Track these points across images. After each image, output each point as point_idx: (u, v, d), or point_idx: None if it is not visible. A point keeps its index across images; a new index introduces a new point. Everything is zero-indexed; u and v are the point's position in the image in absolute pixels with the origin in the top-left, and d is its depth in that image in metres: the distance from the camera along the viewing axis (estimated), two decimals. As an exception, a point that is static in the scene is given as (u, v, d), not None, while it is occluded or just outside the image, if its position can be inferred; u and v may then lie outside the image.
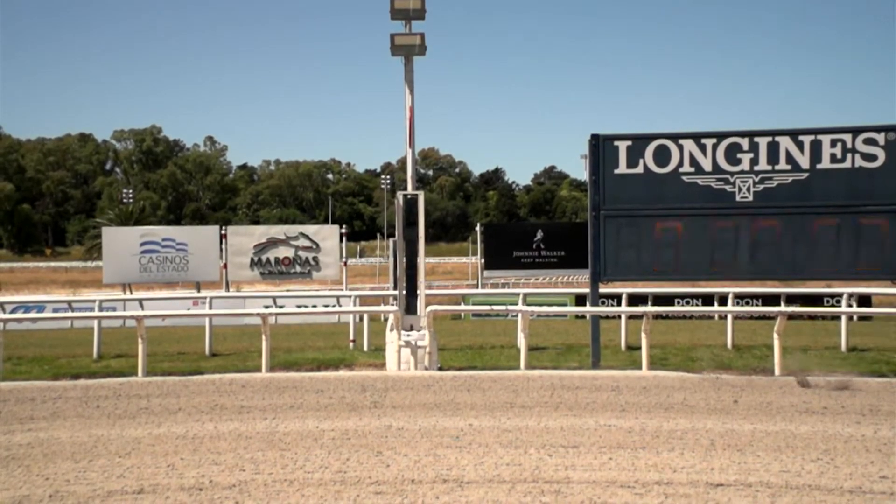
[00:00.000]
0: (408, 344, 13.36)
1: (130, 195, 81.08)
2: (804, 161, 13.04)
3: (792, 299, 18.40)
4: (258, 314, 14.64)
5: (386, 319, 17.75)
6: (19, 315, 21.19)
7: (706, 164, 13.28)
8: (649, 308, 15.47)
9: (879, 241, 12.74)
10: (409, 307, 13.82)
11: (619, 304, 19.28)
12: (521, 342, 13.87)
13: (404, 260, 14.05)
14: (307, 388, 11.36)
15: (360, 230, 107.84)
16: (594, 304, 14.12)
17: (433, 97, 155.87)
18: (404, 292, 13.93)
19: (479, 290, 30.97)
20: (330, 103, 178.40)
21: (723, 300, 18.37)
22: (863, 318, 21.72)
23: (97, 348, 16.26)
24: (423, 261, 13.96)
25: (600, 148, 13.57)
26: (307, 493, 6.08)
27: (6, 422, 9.13)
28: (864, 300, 23.23)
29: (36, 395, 11.10)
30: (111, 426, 8.74)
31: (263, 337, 13.32)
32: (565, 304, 26.43)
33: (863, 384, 11.35)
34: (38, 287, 61.71)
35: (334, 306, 23.56)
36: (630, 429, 8.26)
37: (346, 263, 20.43)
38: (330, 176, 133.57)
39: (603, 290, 14.27)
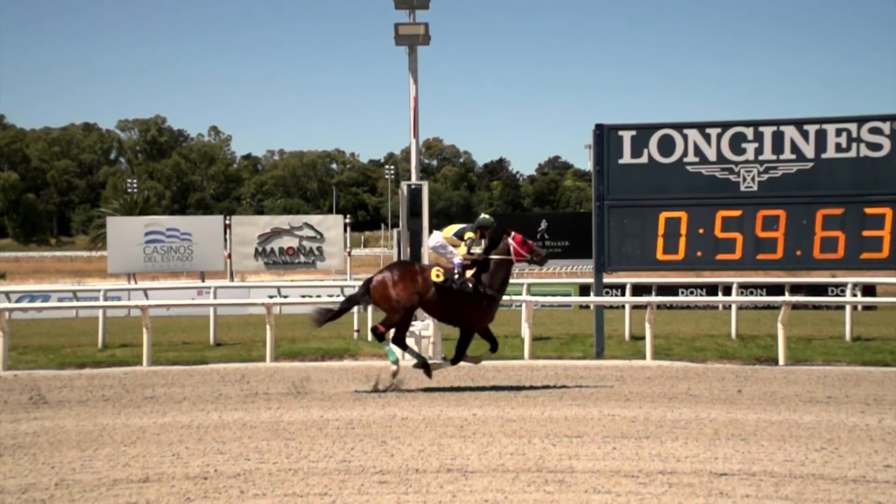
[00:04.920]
0: (412, 334, 13.36)
1: (135, 185, 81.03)
2: (809, 150, 13.00)
3: (796, 289, 18.39)
4: (262, 304, 14.67)
5: (390, 309, 17.76)
6: (25, 304, 21.25)
7: (710, 154, 13.24)
8: (653, 298, 15.48)
9: (884, 231, 12.71)
10: (414, 297, 13.82)
11: (623, 293, 19.27)
12: (525, 332, 13.88)
13: (408, 250, 14.05)
14: (311, 377, 11.38)
15: (365, 220, 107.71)
16: (598, 293, 14.12)
17: (437, 87, 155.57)
18: (408, 282, 13.92)
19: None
20: (334, 93, 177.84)
21: (727, 290, 18.35)
22: (867, 307, 21.70)
23: (102, 338, 16.30)
24: (427, 251, 13.96)
25: (605, 138, 13.54)
26: (311, 482, 6.10)
27: (12, 410, 9.18)
28: (869, 290, 23.23)
29: (41, 384, 11.14)
30: (116, 415, 8.77)
31: (268, 326, 13.34)
32: (569, 294, 26.45)
33: (866, 374, 11.36)
34: (43, 276, 61.81)
35: (338, 296, 23.57)
36: (634, 418, 8.28)
37: (350, 253, 20.44)
38: (334, 166, 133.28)
39: (607, 279, 14.28)
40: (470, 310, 10.39)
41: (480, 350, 11.00)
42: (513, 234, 10.65)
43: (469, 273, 10.45)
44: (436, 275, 10.33)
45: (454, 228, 10.80)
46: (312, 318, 10.89)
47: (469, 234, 10.57)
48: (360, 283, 11.70)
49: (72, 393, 10.36)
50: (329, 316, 10.83)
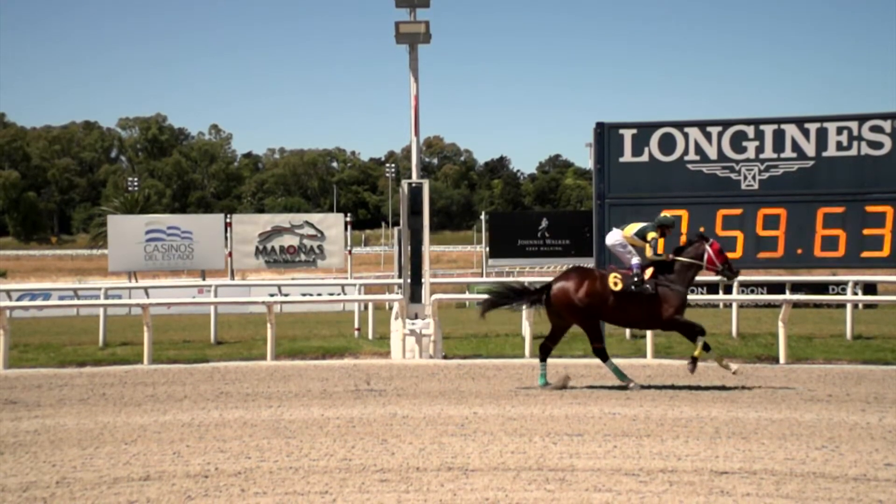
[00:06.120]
0: (413, 332, 13.37)
1: (136, 183, 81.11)
2: (810, 149, 12.98)
3: (797, 287, 18.36)
4: (263, 302, 14.70)
5: (391, 308, 17.77)
6: (26, 303, 21.24)
7: (711, 153, 13.23)
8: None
9: (885, 229, 12.69)
10: (414, 295, 13.83)
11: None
12: (526, 330, 13.89)
13: (409, 248, 14.05)
14: (312, 376, 11.39)
15: (365, 218, 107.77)
16: (599, 292, 14.08)
17: (438, 85, 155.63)
18: (409, 281, 13.94)
19: (484, 279, 30.96)
20: (334, 91, 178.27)
21: (728, 288, 18.33)
22: (868, 305, 21.68)
23: (103, 336, 16.31)
24: (427, 249, 13.96)
25: (605, 136, 13.53)
26: (312, 480, 6.10)
27: (13, 409, 9.18)
28: (870, 288, 23.20)
29: (42, 382, 11.15)
30: (117, 413, 8.77)
31: (268, 325, 13.35)
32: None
33: (867, 372, 11.35)
34: (44, 275, 61.90)
35: (339, 295, 23.59)
36: (634, 417, 8.27)
37: (350, 252, 20.43)
38: (335, 164, 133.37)
39: (608, 278, 14.23)
40: (658, 310, 10.12)
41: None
42: (711, 240, 10.47)
43: (648, 273, 10.23)
44: (613, 283, 10.12)
45: (635, 227, 10.54)
46: (483, 306, 10.93)
47: (652, 234, 10.34)
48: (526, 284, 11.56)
49: (72, 391, 10.36)
50: (491, 304, 10.80)
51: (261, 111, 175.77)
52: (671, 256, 10.42)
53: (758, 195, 13.08)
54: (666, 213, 10.87)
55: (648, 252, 10.33)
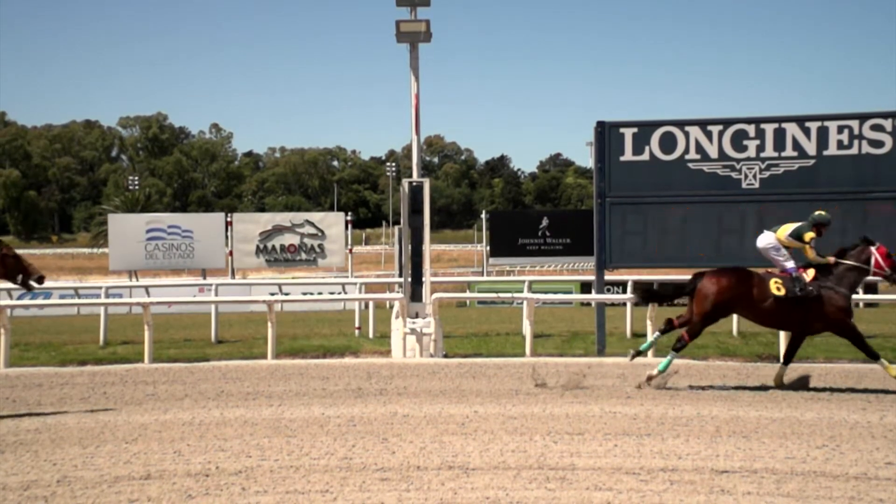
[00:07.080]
0: (413, 331, 13.37)
1: (136, 182, 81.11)
2: (811, 148, 12.98)
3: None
4: (264, 301, 14.69)
5: (391, 307, 17.78)
6: (26, 301, 21.22)
7: (712, 151, 13.23)
8: (654, 295, 15.42)
9: (886, 228, 12.68)
10: (415, 294, 13.84)
11: (624, 291, 19.26)
12: (527, 329, 13.88)
13: (409, 247, 14.05)
14: (313, 374, 11.39)
15: (366, 217, 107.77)
16: (599, 291, 14.11)
17: (438, 84, 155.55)
18: (409, 280, 13.95)
19: (485, 278, 30.99)
20: (335, 90, 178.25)
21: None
22: (869, 304, 21.67)
23: (104, 335, 16.31)
24: (428, 248, 13.96)
25: (606, 135, 13.53)
26: (313, 479, 6.10)
27: (14, 407, 9.18)
28: (870, 287, 23.16)
29: (43, 381, 11.15)
30: (118, 412, 8.77)
31: (269, 324, 13.35)
32: (570, 292, 26.43)
33: (868, 371, 11.34)
34: (44, 273, 61.72)
35: (340, 293, 23.57)
36: (635, 415, 8.27)
37: (351, 251, 20.44)
38: (335, 163, 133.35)
39: (608, 277, 14.26)
40: (824, 313, 9.78)
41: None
42: (877, 244, 10.06)
43: (809, 275, 9.86)
44: (776, 288, 9.77)
45: (789, 228, 10.11)
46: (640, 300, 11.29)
47: (810, 234, 9.89)
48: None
49: (73, 390, 10.37)
50: (651, 296, 11.05)
51: (261, 110, 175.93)
52: (834, 259, 10.04)
53: (758, 194, 13.08)
54: (821, 211, 10.25)
55: (810, 254, 9.94)
